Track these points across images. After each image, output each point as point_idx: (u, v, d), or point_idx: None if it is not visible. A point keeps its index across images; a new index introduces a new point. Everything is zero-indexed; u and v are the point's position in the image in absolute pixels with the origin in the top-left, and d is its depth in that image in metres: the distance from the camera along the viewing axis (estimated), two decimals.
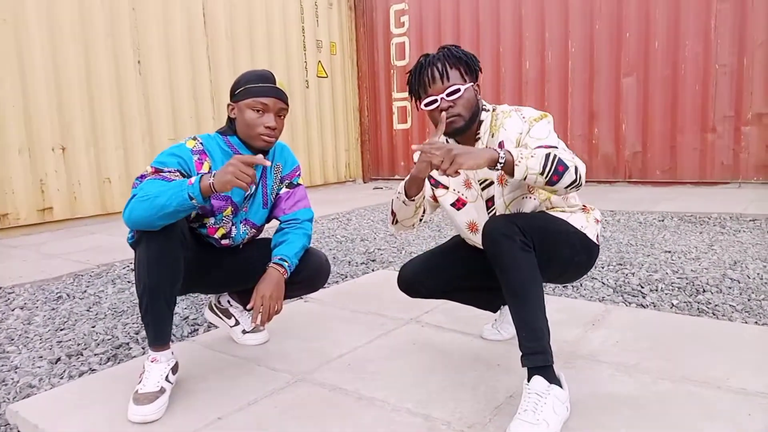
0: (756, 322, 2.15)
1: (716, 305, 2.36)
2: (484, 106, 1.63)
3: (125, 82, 5.62)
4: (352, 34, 8.42)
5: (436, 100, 1.54)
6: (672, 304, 2.42)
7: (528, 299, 1.41)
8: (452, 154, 1.32)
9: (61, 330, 2.43)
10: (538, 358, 1.39)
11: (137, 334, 2.34)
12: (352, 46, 8.44)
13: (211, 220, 1.80)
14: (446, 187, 1.74)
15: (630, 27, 6.29)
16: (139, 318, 2.38)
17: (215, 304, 2.10)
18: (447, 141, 1.67)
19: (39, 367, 2.04)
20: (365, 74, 8.47)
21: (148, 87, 5.82)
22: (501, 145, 1.57)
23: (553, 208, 1.65)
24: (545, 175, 1.36)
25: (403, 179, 1.71)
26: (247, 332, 2.06)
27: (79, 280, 3.28)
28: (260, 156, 1.50)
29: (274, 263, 1.77)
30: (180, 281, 1.63)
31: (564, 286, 2.69)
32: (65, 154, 5.20)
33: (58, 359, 2.11)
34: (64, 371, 1.99)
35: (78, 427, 1.51)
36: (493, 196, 1.65)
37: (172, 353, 1.67)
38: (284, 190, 1.93)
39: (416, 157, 1.65)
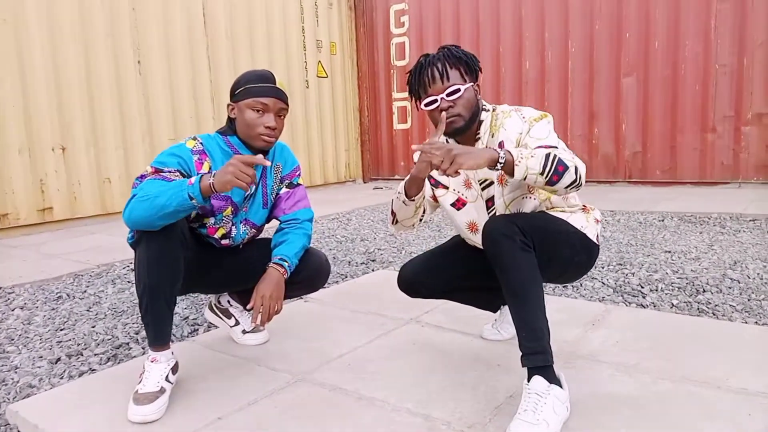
0: (756, 322, 2.15)
1: (716, 305, 2.36)
2: (484, 106, 1.63)
3: (125, 82, 5.62)
4: (352, 34, 8.42)
5: (436, 100, 1.54)
6: (672, 304, 2.42)
7: (528, 299, 1.41)
8: (452, 154, 1.32)
9: (61, 330, 2.43)
10: (538, 358, 1.39)
11: (137, 334, 2.34)
12: (352, 46, 8.44)
13: (211, 220, 1.80)
14: (446, 187, 1.74)
15: (630, 27, 6.29)
16: (139, 318, 2.38)
17: (215, 304, 2.10)
18: (447, 141, 1.67)
19: (39, 367, 2.04)
20: (365, 74, 8.47)
21: (148, 87, 5.82)
22: (501, 145, 1.57)
23: (553, 208, 1.65)
24: (545, 175, 1.36)
25: (403, 179, 1.71)
26: (247, 332, 2.06)
27: (79, 280, 3.28)
28: (260, 156, 1.50)
29: (274, 263, 1.77)
30: (180, 281, 1.63)
31: (564, 286, 2.69)
32: (65, 154, 5.20)
33: (58, 359, 2.11)
34: (64, 371, 1.99)
35: (78, 427, 1.51)
36: (493, 196, 1.65)
37: (172, 353, 1.67)
38: (284, 190, 1.92)
39: (416, 157, 1.65)
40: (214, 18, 6.45)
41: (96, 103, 5.40)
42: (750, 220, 4.19)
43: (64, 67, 5.15)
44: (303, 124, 7.68)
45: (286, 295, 1.77)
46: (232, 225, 1.84)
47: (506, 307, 1.96)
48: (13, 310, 2.73)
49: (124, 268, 3.51)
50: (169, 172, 1.62)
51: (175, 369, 1.66)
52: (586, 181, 6.66)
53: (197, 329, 2.38)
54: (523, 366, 1.41)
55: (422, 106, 1.58)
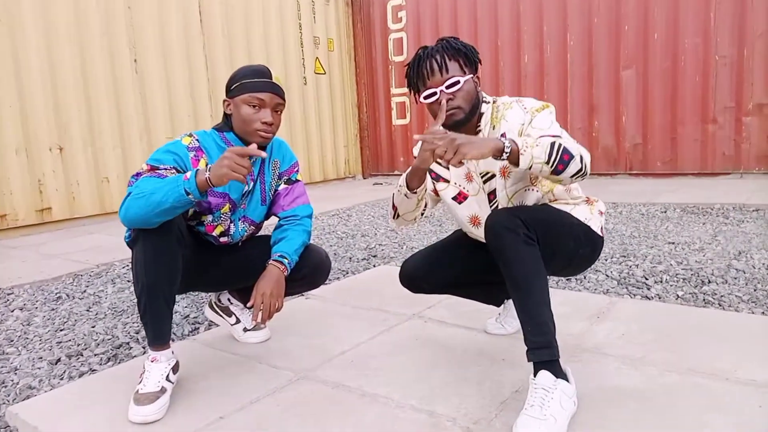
0: (763, 313, 2.13)
1: (722, 296, 2.34)
2: (484, 98, 1.61)
3: (122, 81, 5.59)
4: (350, 30, 8.38)
5: (435, 93, 1.51)
6: (677, 295, 2.40)
7: (532, 293, 1.39)
8: (456, 143, 1.29)
9: (61, 330, 2.41)
10: (544, 352, 1.36)
11: (137, 333, 2.32)
12: (349, 42, 8.40)
13: (209, 218, 1.78)
14: (447, 181, 1.71)
15: (629, 19, 6.25)
16: (139, 317, 2.36)
17: (215, 303, 2.08)
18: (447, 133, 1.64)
19: (39, 368, 2.02)
20: (363, 70, 8.43)
21: (145, 86, 5.79)
22: (503, 136, 1.54)
23: (556, 200, 1.62)
24: (551, 164, 1.33)
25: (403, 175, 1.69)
26: (248, 330, 2.04)
27: (78, 280, 3.26)
28: (254, 146, 1.47)
29: (273, 260, 1.75)
30: (178, 279, 1.61)
31: (567, 279, 2.67)
32: (63, 154, 5.18)
33: (58, 360, 2.09)
34: (64, 372, 1.97)
35: (78, 429, 1.49)
36: (495, 189, 1.62)
37: (173, 352, 1.65)
38: (283, 186, 1.90)
39: (416, 151, 1.62)
40: (210, 16, 6.41)
41: (93, 102, 5.37)
42: (753, 210, 4.17)
43: (60, 66, 5.12)
44: (301, 121, 7.66)
45: (286, 293, 1.75)
46: (231, 222, 1.82)
47: (510, 301, 1.94)
48: (12, 311, 2.71)
49: (123, 267, 3.49)
50: (165, 169, 1.60)
51: (175, 368, 1.64)
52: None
53: (198, 328, 2.36)
54: (528, 361, 1.39)
55: (421, 99, 1.56)
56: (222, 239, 1.84)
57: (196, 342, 2.09)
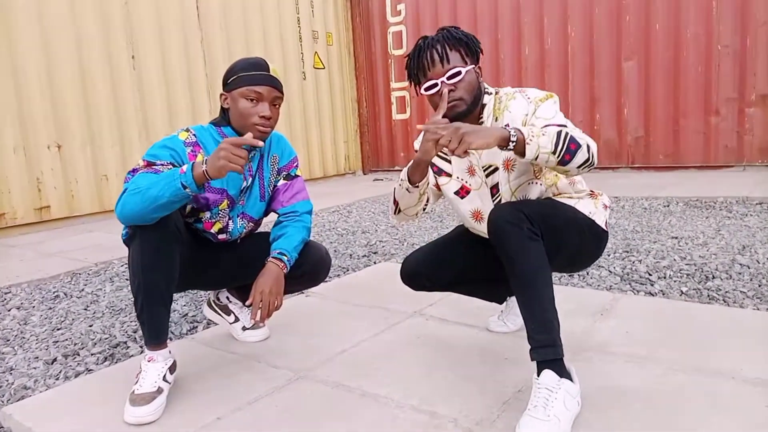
0: None
1: (726, 292, 2.31)
2: (486, 89, 1.57)
3: (120, 78, 5.55)
4: (348, 24, 8.32)
5: (436, 84, 1.48)
6: (681, 291, 2.36)
7: (536, 290, 1.35)
8: (460, 132, 1.25)
9: (58, 329, 2.38)
10: (547, 351, 1.33)
11: (135, 332, 2.29)
12: (348, 36, 8.34)
13: (207, 215, 1.75)
14: (449, 175, 1.68)
15: (630, 9, 6.19)
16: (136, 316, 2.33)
17: (214, 301, 2.05)
18: None
19: (35, 368, 1.99)
20: (362, 64, 8.38)
21: (143, 82, 5.75)
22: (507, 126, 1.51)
23: (559, 194, 1.59)
24: (557, 153, 1.29)
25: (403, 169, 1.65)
26: (247, 329, 2.02)
27: (76, 278, 3.23)
28: (249, 135, 1.44)
29: (273, 257, 1.72)
30: (176, 277, 1.58)
31: (570, 275, 2.64)
32: (61, 152, 5.14)
33: (54, 359, 2.06)
34: (60, 372, 1.94)
35: (72, 430, 1.46)
36: (498, 183, 1.58)
37: (170, 352, 1.62)
38: (282, 181, 1.87)
39: (417, 144, 1.58)
40: (208, 11, 6.36)
41: (90, 99, 5.33)
42: (757, 204, 4.13)
43: (57, 63, 5.08)
44: (301, 117, 7.61)
45: (286, 290, 1.72)
46: (229, 219, 1.79)
47: (513, 298, 1.90)
48: (9, 311, 2.69)
49: (122, 265, 3.46)
50: (162, 165, 1.57)
51: (172, 368, 1.61)
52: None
53: (196, 326, 2.33)
54: (532, 359, 1.35)
55: (422, 91, 1.52)
56: (220, 236, 1.80)
57: (195, 341, 2.06)
